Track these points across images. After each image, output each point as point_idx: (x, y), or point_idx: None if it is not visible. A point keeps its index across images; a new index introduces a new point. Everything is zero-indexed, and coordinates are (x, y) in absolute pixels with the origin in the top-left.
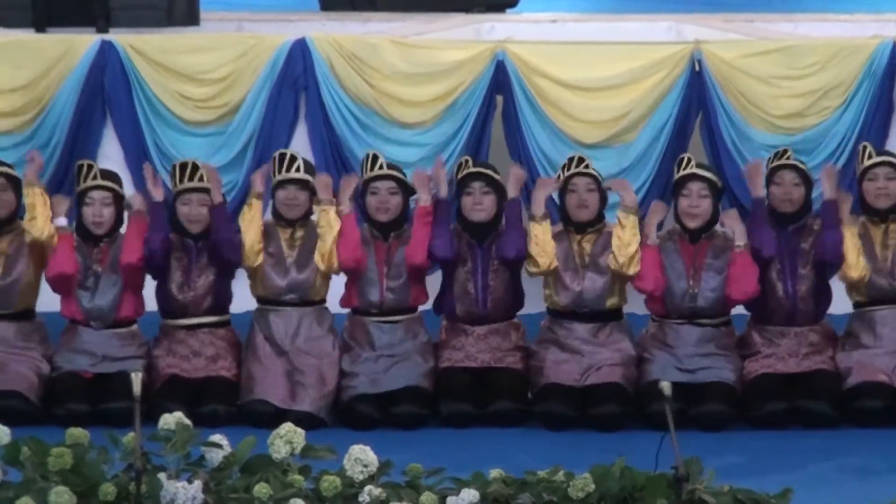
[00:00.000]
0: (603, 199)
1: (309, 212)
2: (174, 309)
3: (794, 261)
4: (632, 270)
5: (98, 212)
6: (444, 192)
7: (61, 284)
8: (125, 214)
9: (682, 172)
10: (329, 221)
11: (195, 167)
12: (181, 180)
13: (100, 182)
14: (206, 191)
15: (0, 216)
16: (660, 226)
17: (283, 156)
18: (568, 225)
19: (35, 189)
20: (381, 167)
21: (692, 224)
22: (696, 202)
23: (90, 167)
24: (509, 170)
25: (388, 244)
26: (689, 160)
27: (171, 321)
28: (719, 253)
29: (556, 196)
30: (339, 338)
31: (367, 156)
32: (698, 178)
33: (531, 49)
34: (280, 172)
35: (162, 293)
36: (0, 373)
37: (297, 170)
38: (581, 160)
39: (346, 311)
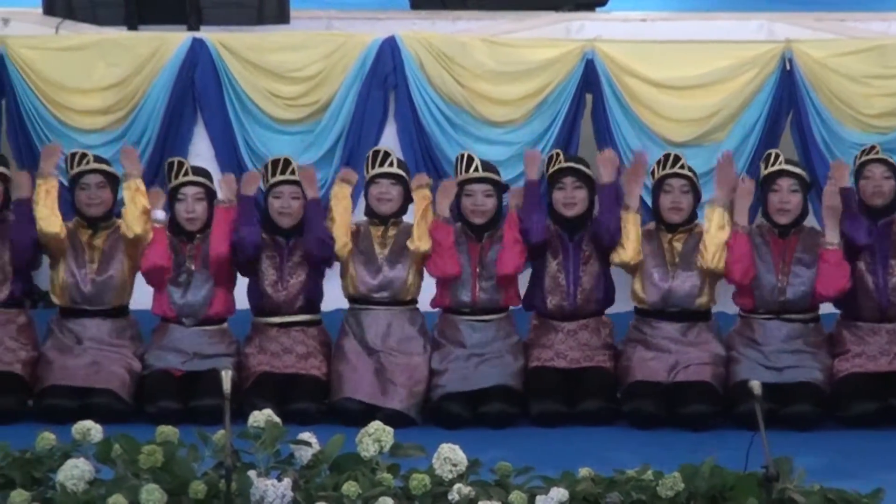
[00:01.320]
0: (696, 199)
1: (402, 209)
2: (267, 307)
3: (885, 254)
4: (720, 265)
5: (191, 207)
6: (533, 175)
7: (155, 277)
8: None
9: (770, 168)
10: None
11: (287, 162)
12: (273, 174)
13: (192, 178)
14: (298, 184)
15: (96, 213)
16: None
17: (376, 152)
18: (659, 223)
19: (131, 182)
20: (476, 169)
21: (783, 220)
22: (786, 198)
23: (181, 164)
24: (601, 154)
25: (481, 244)
26: (777, 156)
27: (264, 319)
28: (809, 247)
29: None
30: (430, 337)
31: (462, 156)
32: (788, 174)
33: (621, 48)
34: (373, 167)
35: (255, 291)
36: (93, 371)
37: (391, 164)
38: (677, 159)
39: (436, 310)
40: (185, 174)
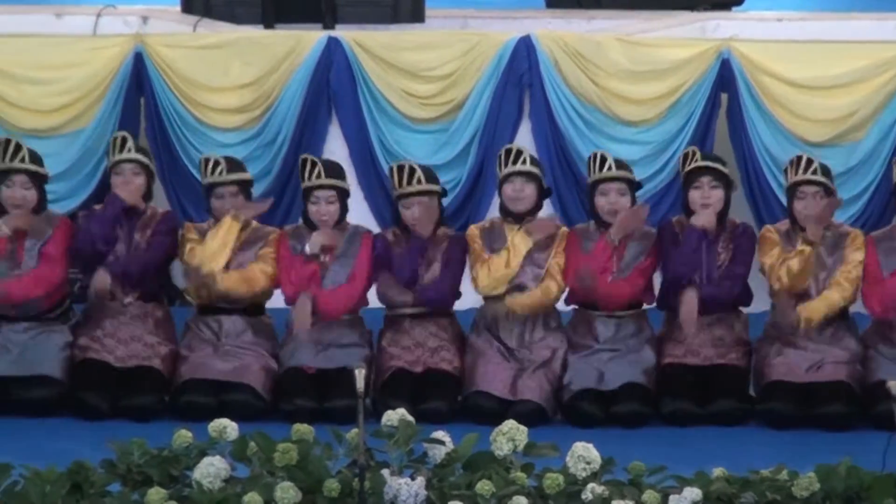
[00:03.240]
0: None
1: (538, 206)
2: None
3: None
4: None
5: (324, 210)
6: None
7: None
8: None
9: None
10: None
11: (414, 169)
12: (399, 184)
13: (324, 181)
14: (426, 192)
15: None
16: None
17: (508, 150)
18: (795, 225)
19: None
20: (609, 168)
21: None
22: None
23: (314, 164)
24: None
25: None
26: None
27: (398, 310)
28: None
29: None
30: (565, 334)
31: (595, 156)
32: None
33: (757, 47)
34: (506, 165)
35: (388, 287)
36: (231, 367)
37: (524, 162)
38: (809, 163)
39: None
40: (318, 176)
